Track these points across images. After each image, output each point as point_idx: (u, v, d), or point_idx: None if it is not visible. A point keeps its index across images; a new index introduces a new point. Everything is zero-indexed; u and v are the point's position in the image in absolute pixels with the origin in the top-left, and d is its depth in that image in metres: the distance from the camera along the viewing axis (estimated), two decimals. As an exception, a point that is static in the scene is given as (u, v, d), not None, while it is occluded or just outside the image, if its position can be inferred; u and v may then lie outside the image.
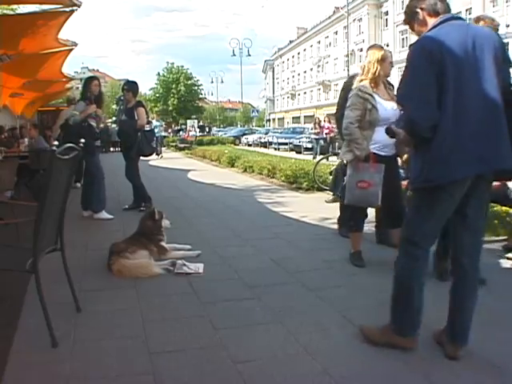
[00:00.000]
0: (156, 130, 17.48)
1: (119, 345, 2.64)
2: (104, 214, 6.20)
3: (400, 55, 40.00)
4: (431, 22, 2.41)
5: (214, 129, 48.90)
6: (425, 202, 2.43)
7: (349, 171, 4.09)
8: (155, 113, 46.61)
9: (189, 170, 13.58)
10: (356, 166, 3.99)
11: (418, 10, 2.46)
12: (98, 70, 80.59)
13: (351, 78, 4.65)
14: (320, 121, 20.52)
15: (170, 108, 52.46)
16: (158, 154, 18.21)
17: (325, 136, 19.49)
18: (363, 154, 3.91)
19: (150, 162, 14.65)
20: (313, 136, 20.47)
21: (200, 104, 56.77)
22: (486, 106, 2.28)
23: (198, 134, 34.58)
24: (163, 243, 4.33)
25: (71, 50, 8.28)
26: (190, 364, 2.43)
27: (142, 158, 7.03)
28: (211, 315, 3.05)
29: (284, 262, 4.19)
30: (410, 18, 2.53)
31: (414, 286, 2.48)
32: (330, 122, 19.83)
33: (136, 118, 6.58)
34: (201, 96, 57.30)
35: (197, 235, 5.32)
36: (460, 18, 2.48)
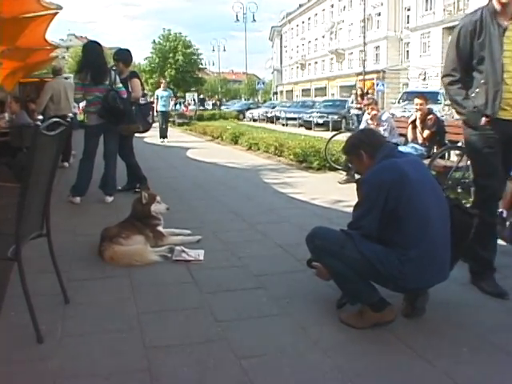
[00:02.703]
0: (162, 104, 15.22)
1: (112, 339, 2.64)
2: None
3: (423, 20, 39.52)
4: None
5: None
6: None
7: None
8: (151, 83, 46.15)
9: (188, 148, 13.59)
10: None
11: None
12: (86, 38, 79.68)
13: (470, 16, 3.36)
14: (363, 92, 17.32)
15: (167, 79, 52.13)
16: (163, 137, 15.53)
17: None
18: None
19: (146, 139, 14.62)
20: (353, 111, 17.14)
21: (200, 75, 56.37)
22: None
23: (199, 107, 34.37)
24: (160, 228, 4.33)
25: (56, 14, 8.14)
26: (189, 360, 2.43)
27: (136, 134, 6.99)
28: (213, 306, 3.05)
29: (292, 248, 4.17)
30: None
31: (343, 268, 2.71)
32: (361, 96, 16.64)
33: (130, 90, 6.52)
34: (201, 66, 56.82)
35: (197, 219, 5.32)
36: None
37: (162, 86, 16.44)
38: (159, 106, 15.15)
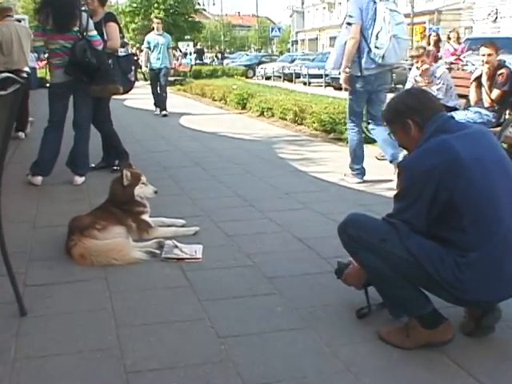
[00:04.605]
0: (156, 57, 13.08)
1: (82, 362, 2.64)
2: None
3: None
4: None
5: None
6: None
7: None
8: (132, 29, 45.91)
9: (181, 114, 13.63)
10: None
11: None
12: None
13: None
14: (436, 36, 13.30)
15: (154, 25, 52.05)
16: (159, 107, 13.54)
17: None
18: None
19: (126, 102, 14.64)
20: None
21: (197, 19, 56.18)
22: None
23: (195, 61, 34.28)
24: (146, 217, 4.36)
25: None
26: (182, 387, 2.43)
27: (114, 96, 6.98)
28: (214, 318, 3.06)
29: (316, 242, 4.17)
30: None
31: (384, 268, 2.70)
32: (458, 39, 14.49)
33: (105, 38, 6.48)
34: (198, 7, 56.66)
35: (193, 205, 5.36)
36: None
37: (155, 27, 13.63)
38: (152, 60, 13.23)
